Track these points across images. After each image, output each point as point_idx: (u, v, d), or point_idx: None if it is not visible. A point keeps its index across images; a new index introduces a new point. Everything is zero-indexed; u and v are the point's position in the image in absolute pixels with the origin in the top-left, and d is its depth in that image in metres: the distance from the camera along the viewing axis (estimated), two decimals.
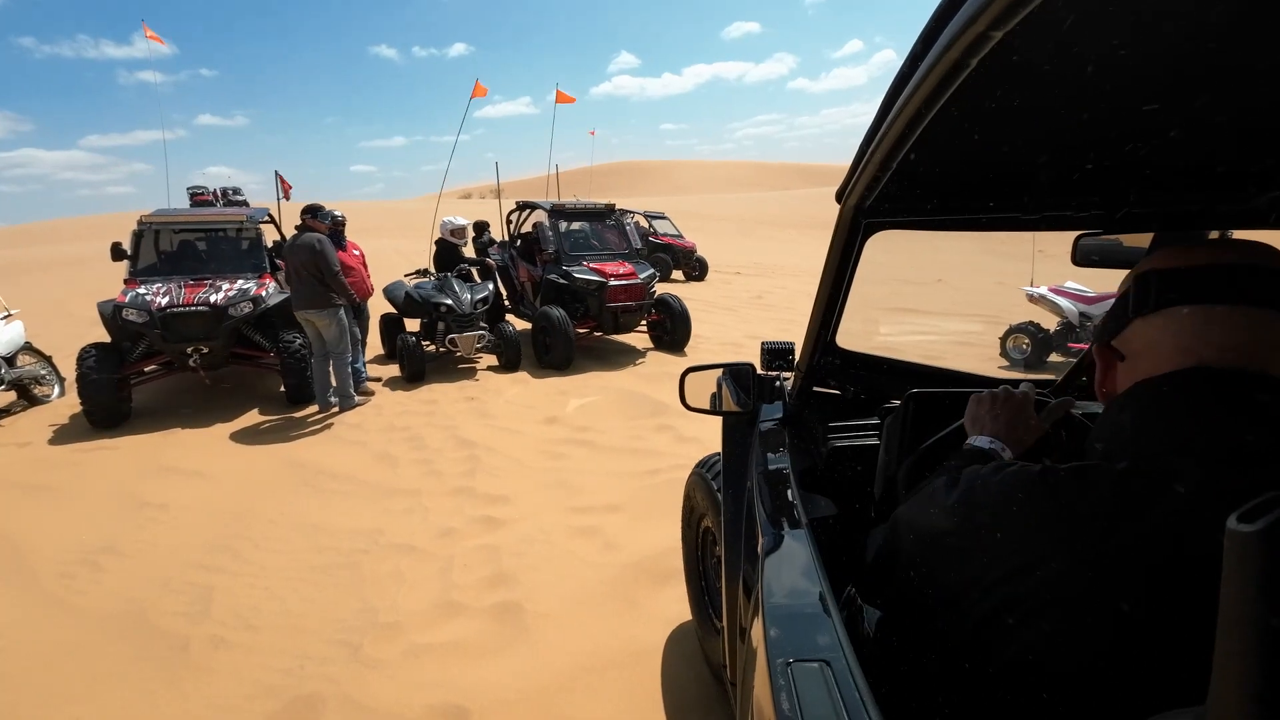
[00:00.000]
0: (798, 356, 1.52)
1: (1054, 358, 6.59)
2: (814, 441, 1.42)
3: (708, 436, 4.49)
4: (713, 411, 1.66)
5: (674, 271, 14.32)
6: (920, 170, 0.90)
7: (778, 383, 1.66)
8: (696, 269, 14.45)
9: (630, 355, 7.21)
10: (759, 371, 1.66)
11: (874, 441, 1.36)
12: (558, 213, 7.61)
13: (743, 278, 14.59)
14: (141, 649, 2.42)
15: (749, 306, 10.77)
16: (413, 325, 7.07)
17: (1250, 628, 0.26)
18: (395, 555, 3.08)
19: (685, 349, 7.34)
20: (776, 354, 1.74)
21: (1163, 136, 0.76)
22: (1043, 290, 6.86)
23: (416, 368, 6.31)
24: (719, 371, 1.71)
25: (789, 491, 1.18)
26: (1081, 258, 1.15)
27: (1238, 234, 0.98)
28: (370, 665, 2.28)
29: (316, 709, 2.06)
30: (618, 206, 8.28)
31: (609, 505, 3.54)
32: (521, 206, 8.48)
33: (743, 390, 1.62)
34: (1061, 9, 0.45)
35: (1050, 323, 6.72)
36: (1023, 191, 1.04)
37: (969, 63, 0.52)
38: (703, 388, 1.67)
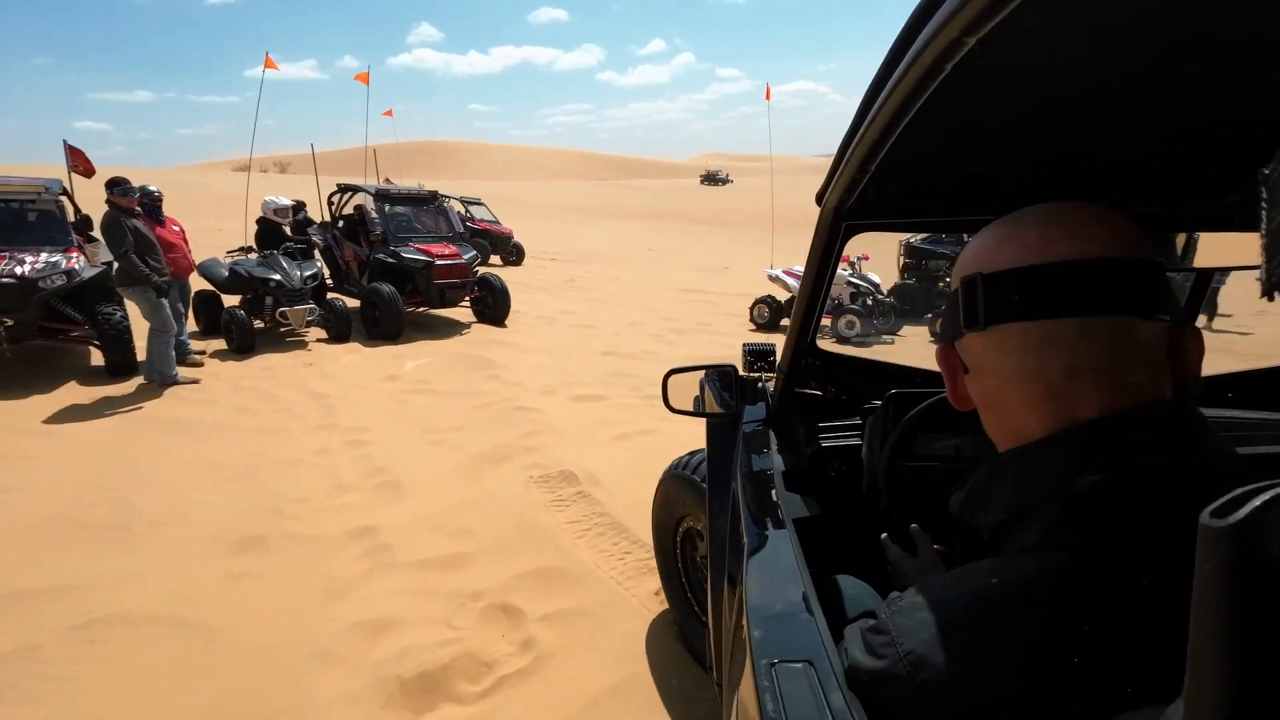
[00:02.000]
0: (779, 358, 1.55)
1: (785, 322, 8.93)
2: (797, 442, 1.43)
3: (530, 380, 5.76)
4: (696, 413, 1.70)
5: (492, 256, 15.15)
6: (898, 172, 0.90)
7: (760, 384, 1.70)
8: (514, 254, 15.42)
9: (456, 327, 8.16)
10: (741, 373, 1.70)
11: (856, 441, 1.36)
12: (383, 197, 8.24)
13: (558, 263, 15.90)
14: (83, 536, 3.05)
15: (562, 288, 12.13)
16: (230, 302, 7.25)
17: (1222, 623, 0.26)
18: (283, 467, 3.91)
19: (506, 322, 8.46)
20: (758, 355, 1.78)
21: (1131, 140, 0.78)
22: (778, 271, 9.16)
23: (246, 339, 6.66)
24: (701, 373, 1.74)
25: (773, 492, 1.18)
26: None
27: (1206, 236, 0.99)
28: (293, 519, 3.22)
29: (264, 542, 2.97)
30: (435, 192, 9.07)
31: (453, 427, 4.65)
32: (343, 189, 8.88)
33: (725, 392, 1.65)
34: (1034, 16, 0.45)
35: (783, 295, 9.04)
36: (997, 193, 1.04)
37: (943, 67, 0.53)
38: (685, 390, 1.71)
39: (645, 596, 2.56)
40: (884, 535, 0.97)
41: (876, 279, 8.86)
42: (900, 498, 1.12)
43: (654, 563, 2.76)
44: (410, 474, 3.80)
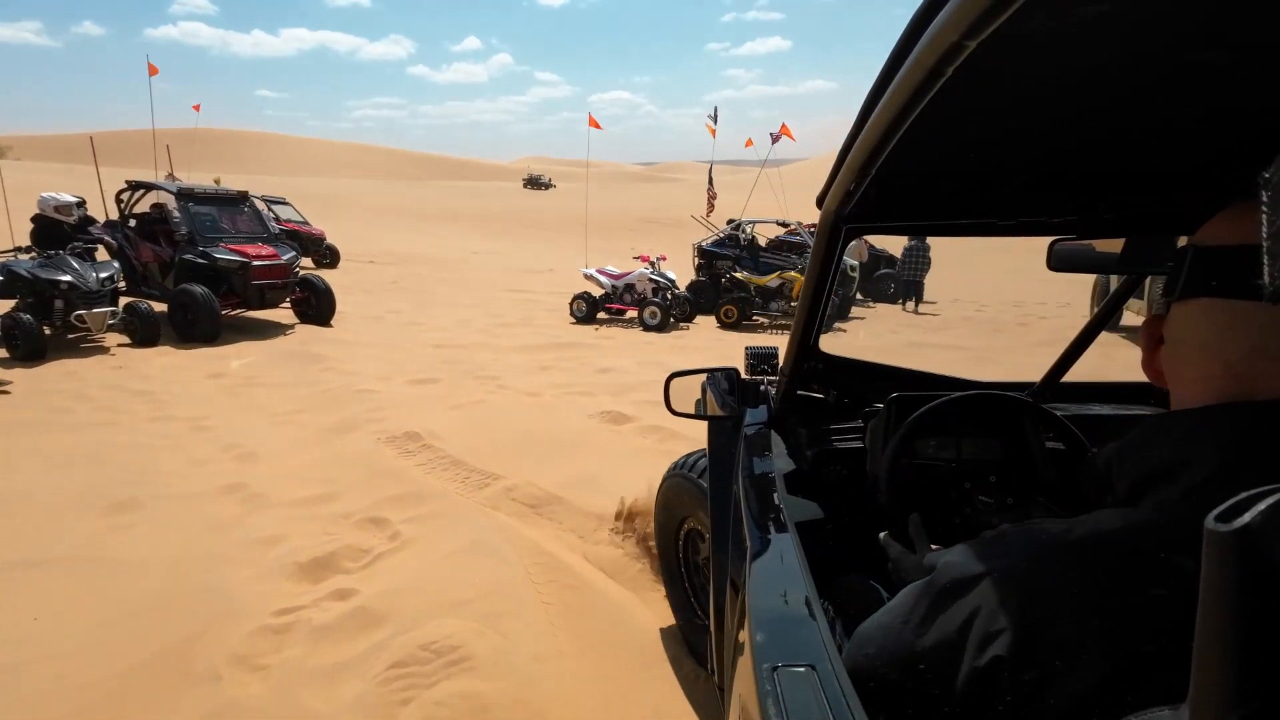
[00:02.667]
0: (781, 361, 1.54)
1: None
2: (799, 445, 1.42)
3: (365, 369, 6.27)
4: (698, 416, 1.71)
5: (303, 259, 14.57)
6: (899, 176, 0.90)
7: (762, 387, 1.70)
8: (327, 257, 14.96)
9: (279, 328, 8.21)
10: (743, 376, 1.71)
11: (858, 444, 1.35)
12: (186, 196, 8.00)
13: (377, 265, 15.74)
14: None
15: (385, 290, 12.29)
16: (3, 307, 6.67)
17: (1227, 627, 0.26)
18: (130, 450, 4.17)
19: (331, 322, 8.65)
20: (760, 358, 1.80)
21: (1132, 142, 0.78)
22: (592, 270, 10.41)
23: (35, 345, 6.27)
24: (703, 376, 1.75)
25: (775, 495, 1.16)
26: (1056, 263, 1.12)
27: None
28: (159, 485, 3.64)
29: (137, 503, 3.39)
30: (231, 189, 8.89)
31: (295, 410, 5.11)
32: (134, 186, 8.38)
33: (727, 394, 1.66)
34: (1035, 19, 0.46)
35: (598, 291, 10.29)
36: (998, 196, 1.05)
37: (944, 71, 0.53)
38: (687, 393, 1.72)
39: (485, 499, 3.49)
40: (883, 534, 0.97)
41: (673, 275, 10.47)
42: (902, 500, 1.12)
43: (490, 479, 3.70)
44: (263, 447, 4.28)
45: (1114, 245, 1.11)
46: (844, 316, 10.69)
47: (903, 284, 12.14)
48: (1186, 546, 0.39)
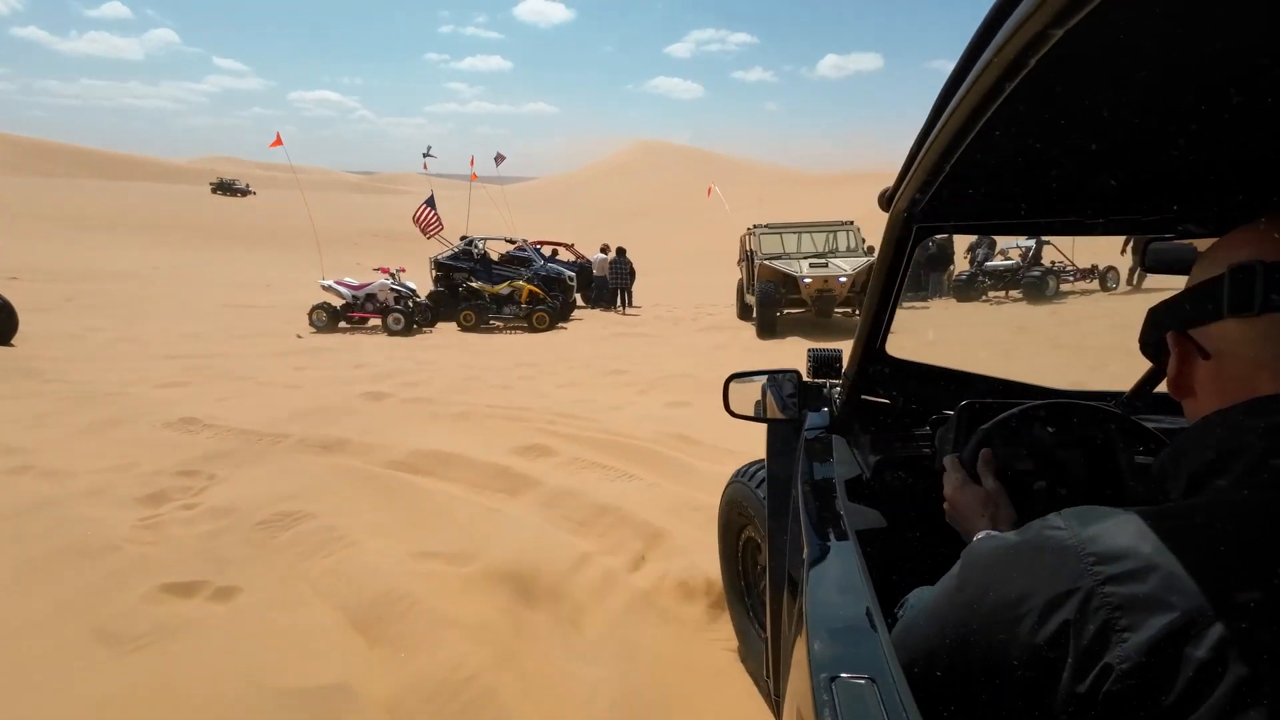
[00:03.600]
0: (845, 364, 1.51)
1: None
2: (862, 451, 1.39)
3: (101, 379, 6.27)
4: (757, 418, 1.69)
5: None
6: (975, 173, 0.87)
7: (824, 390, 1.69)
8: None
9: None
10: (805, 379, 1.69)
11: (925, 452, 1.31)
12: None
13: (22, 282, 13.38)
14: None
15: (63, 309, 10.93)
16: None
17: None
18: None
19: (13, 341, 7.84)
20: (823, 362, 1.76)
21: (1234, 133, 0.74)
22: (330, 282, 10.92)
23: None
24: (764, 379, 1.71)
25: (835, 502, 1.16)
26: (1153, 263, 1.03)
27: None
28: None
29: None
30: None
31: (41, 414, 5.19)
32: None
33: (788, 398, 1.65)
34: (1128, 6, 0.43)
35: (338, 302, 10.82)
36: (1086, 193, 1.00)
37: (1027, 62, 0.50)
38: (747, 394, 1.71)
39: (283, 449, 4.51)
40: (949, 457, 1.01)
41: (414, 285, 11.52)
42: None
43: (281, 437, 4.69)
44: (31, 444, 4.51)
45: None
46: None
47: (612, 290, 14.91)
48: (1243, 524, 0.45)
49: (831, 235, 11.24)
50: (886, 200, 1.05)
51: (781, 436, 1.68)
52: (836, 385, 1.70)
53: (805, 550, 1.05)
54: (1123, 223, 1.13)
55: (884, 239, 1.13)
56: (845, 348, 1.55)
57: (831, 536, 1.06)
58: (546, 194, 76.97)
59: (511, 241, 14.70)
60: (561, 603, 2.64)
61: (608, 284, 14.92)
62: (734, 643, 2.37)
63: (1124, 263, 12.80)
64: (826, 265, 10.12)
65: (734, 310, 12.57)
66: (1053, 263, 14.07)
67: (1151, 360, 0.68)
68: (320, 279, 11.17)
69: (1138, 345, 0.67)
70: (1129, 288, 12.89)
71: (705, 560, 2.80)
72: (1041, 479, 1.03)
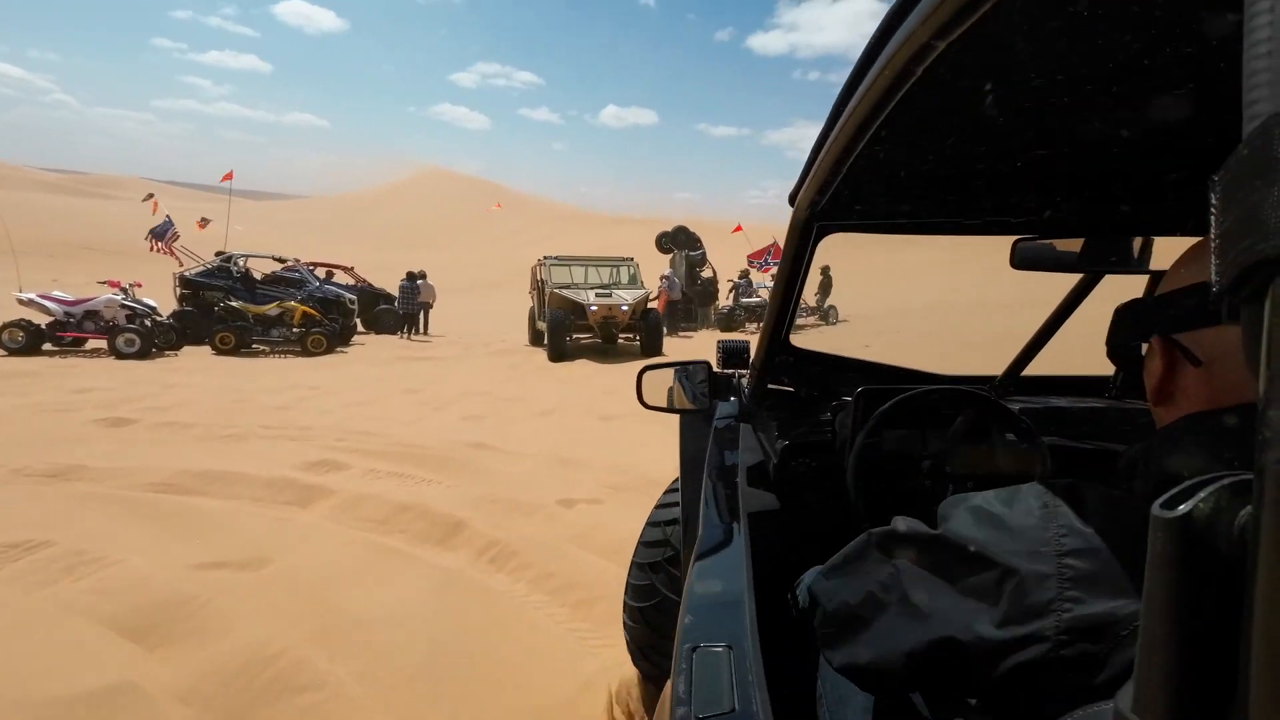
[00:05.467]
0: (753, 355, 1.57)
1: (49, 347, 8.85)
2: (768, 438, 1.44)
3: None
4: (669, 409, 1.70)
5: None
6: (869, 174, 0.92)
7: (733, 380, 1.73)
8: None
9: None
10: (715, 369, 1.72)
11: (824, 438, 1.39)
12: None
13: None
14: None
15: None
16: None
17: (1170, 608, 0.27)
18: None
19: None
20: (732, 353, 1.79)
21: (1096, 146, 0.81)
22: (32, 295, 8.95)
23: None
24: (674, 370, 1.74)
25: (735, 486, 1.22)
26: (1019, 261, 1.14)
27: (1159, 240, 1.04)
28: None
29: None
30: None
31: None
32: None
33: (699, 386, 1.67)
34: (1003, 22, 0.47)
35: (44, 319, 8.91)
36: (965, 197, 1.09)
37: (914, 70, 0.54)
38: (659, 385, 1.71)
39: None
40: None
41: (154, 303, 9.94)
42: (868, 490, 1.15)
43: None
44: None
45: (1074, 244, 1.12)
46: None
47: (401, 316, 14.29)
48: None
49: (615, 269, 12.33)
50: (790, 198, 1.09)
51: (693, 426, 1.72)
52: (745, 375, 1.75)
53: (700, 532, 1.08)
54: (997, 224, 1.21)
55: (787, 237, 1.18)
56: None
57: (727, 520, 1.11)
58: (322, 213, 69.99)
59: (281, 260, 13.40)
60: (370, 585, 2.76)
61: (399, 310, 14.28)
62: (534, 597, 2.74)
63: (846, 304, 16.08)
64: (610, 295, 11.09)
65: (525, 337, 13.00)
66: None
67: (1116, 363, 0.67)
68: (16, 292, 9.05)
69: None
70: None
71: (509, 538, 3.14)
72: (928, 456, 1.14)
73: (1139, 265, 1.10)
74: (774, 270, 16.08)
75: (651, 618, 1.72)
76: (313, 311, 11.21)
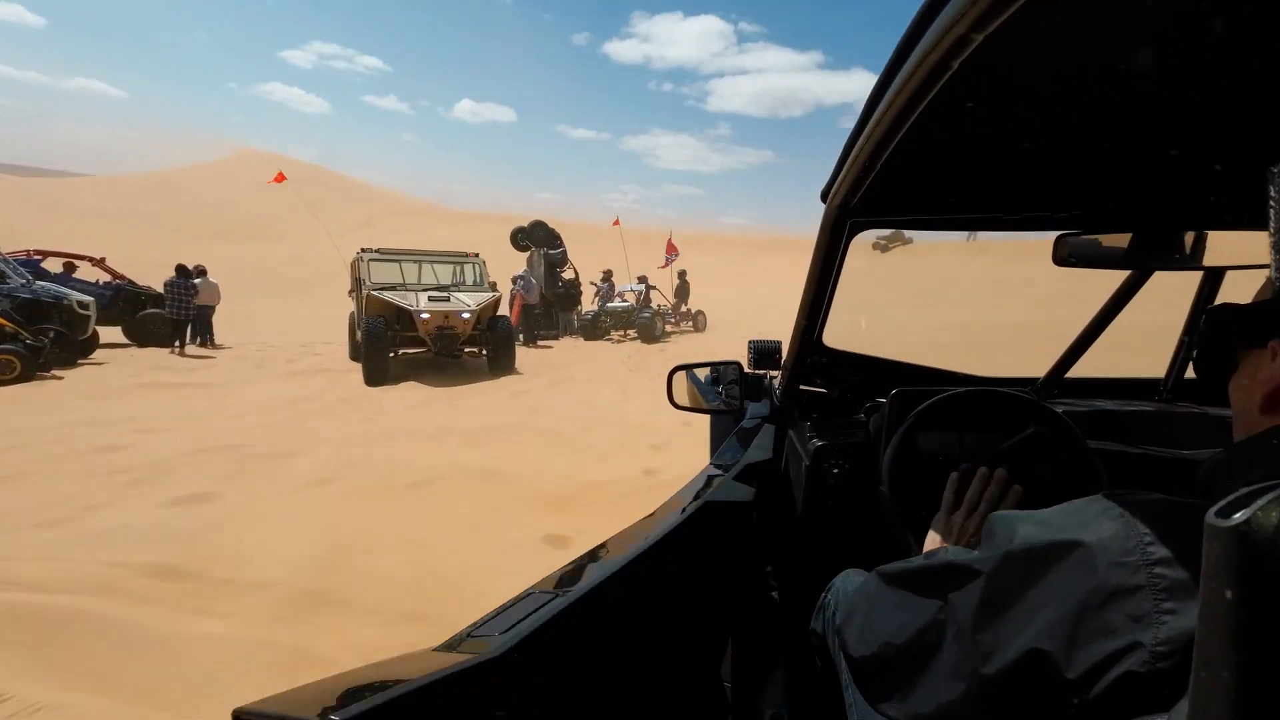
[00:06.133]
0: (784, 355, 1.55)
1: None
2: (800, 439, 1.42)
3: None
4: (700, 409, 1.69)
5: None
6: (904, 170, 0.89)
7: (765, 381, 1.72)
8: None
9: None
10: (746, 370, 1.70)
11: (858, 440, 1.36)
12: None
13: None
14: None
15: None
16: None
17: (1228, 619, 0.26)
18: None
19: None
20: (764, 353, 1.74)
21: (1142, 139, 0.79)
22: None
23: None
24: (706, 370, 1.74)
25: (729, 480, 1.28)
26: (1061, 257, 1.12)
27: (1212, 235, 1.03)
28: None
29: None
30: None
31: None
32: None
33: (729, 388, 1.68)
34: (1043, 14, 0.46)
35: None
36: (1005, 191, 1.05)
37: (950, 65, 0.53)
38: (690, 387, 1.69)
39: None
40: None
41: None
42: (903, 492, 1.12)
43: None
44: None
45: (1120, 240, 1.09)
46: None
47: (173, 323, 10.93)
48: None
49: (457, 268, 10.10)
50: (822, 195, 1.07)
51: (724, 427, 1.74)
52: (776, 376, 1.72)
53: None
54: (1038, 219, 1.15)
55: (820, 233, 1.15)
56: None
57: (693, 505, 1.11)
58: (106, 195, 57.94)
59: None
60: None
61: (170, 315, 10.88)
62: None
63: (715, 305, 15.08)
64: (448, 299, 8.90)
65: (347, 348, 10.40)
66: (659, 306, 15.79)
67: (1206, 367, 0.62)
68: None
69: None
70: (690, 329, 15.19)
71: None
72: (966, 460, 1.05)
73: (1191, 261, 1.08)
74: (672, 266, 15.96)
75: None
76: (6, 322, 7.86)
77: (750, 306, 20.08)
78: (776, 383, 1.70)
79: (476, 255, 10.29)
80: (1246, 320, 0.57)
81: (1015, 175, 0.98)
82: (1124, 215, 1.11)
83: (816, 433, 1.39)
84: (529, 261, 16.65)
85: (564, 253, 16.30)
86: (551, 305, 16.22)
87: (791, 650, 1.24)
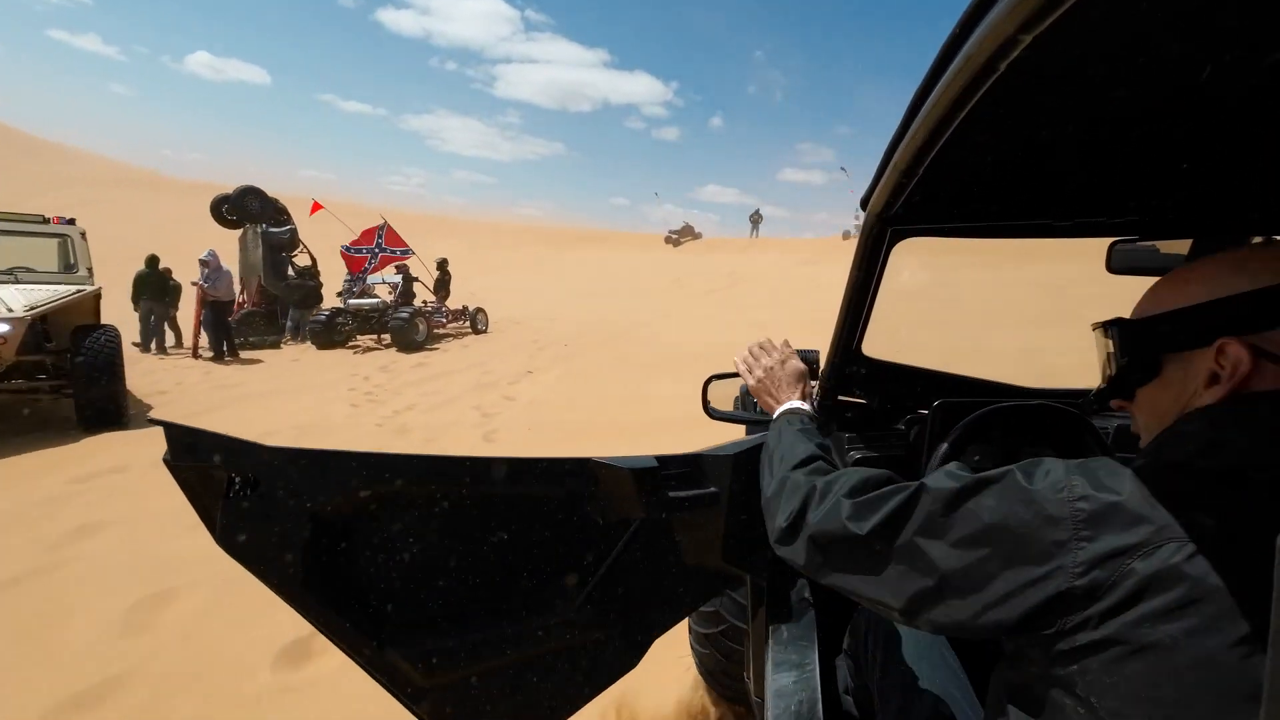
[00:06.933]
0: (822, 365, 1.48)
1: None
2: (839, 451, 1.39)
3: None
4: (736, 419, 1.63)
5: None
6: (947, 175, 0.87)
7: None
8: None
9: None
10: None
11: (898, 453, 1.34)
12: None
13: None
14: None
15: None
16: None
17: None
18: None
19: None
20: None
21: (1197, 140, 0.75)
22: None
23: None
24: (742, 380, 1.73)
25: None
26: (1117, 265, 1.10)
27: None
28: None
29: None
30: None
31: None
32: None
33: None
34: (1093, 12, 0.44)
35: None
36: (1055, 197, 1.02)
37: (997, 66, 0.52)
38: (726, 395, 1.65)
39: None
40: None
41: None
42: None
43: None
44: None
45: (1179, 247, 1.05)
46: None
47: None
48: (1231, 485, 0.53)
49: (22, 244, 5.88)
50: (862, 202, 1.05)
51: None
52: (814, 386, 1.67)
53: None
54: (1091, 225, 1.13)
55: (860, 241, 1.14)
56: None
57: None
58: None
59: None
60: None
61: None
62: None
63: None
64: None
65: None
66: (425, 303, 12.44)
67: (1130, 375, 0.68)
68: None
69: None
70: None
71: None
72: None
73: None
74: (400, 259, 11.99)
75: (719, 644, 1.75)
76: None
77: (544, 302, 17.49)
78: (814, 393, 1.57)
79: (71, 222, 6.14)
80: (1180, 326, 0.63)
81: (1066, 180, 0.95)
82: (1183, 220, 1.07)
83: (855, 444, 1.39)
84: (241, 242, 12.23)
85: (292, 232, 12.25)
86: (275, 302, 12.05)
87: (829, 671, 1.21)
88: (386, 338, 10.85)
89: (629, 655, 1.14)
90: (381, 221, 12.32)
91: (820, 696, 0.91)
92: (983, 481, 0.61)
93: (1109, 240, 1.12)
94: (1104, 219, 1.09)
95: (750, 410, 1.65)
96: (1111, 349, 0.69)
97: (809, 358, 1.71)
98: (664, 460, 1.08)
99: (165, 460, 0.79)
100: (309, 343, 10.76)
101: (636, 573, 1.11)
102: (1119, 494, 0.54)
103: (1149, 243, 1.10)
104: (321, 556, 0.88)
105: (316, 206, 13.12)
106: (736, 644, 1.68)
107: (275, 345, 10.86)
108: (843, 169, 78.28)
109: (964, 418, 1.16)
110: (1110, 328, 0.69)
